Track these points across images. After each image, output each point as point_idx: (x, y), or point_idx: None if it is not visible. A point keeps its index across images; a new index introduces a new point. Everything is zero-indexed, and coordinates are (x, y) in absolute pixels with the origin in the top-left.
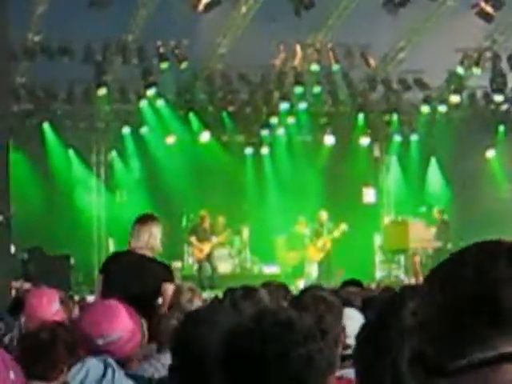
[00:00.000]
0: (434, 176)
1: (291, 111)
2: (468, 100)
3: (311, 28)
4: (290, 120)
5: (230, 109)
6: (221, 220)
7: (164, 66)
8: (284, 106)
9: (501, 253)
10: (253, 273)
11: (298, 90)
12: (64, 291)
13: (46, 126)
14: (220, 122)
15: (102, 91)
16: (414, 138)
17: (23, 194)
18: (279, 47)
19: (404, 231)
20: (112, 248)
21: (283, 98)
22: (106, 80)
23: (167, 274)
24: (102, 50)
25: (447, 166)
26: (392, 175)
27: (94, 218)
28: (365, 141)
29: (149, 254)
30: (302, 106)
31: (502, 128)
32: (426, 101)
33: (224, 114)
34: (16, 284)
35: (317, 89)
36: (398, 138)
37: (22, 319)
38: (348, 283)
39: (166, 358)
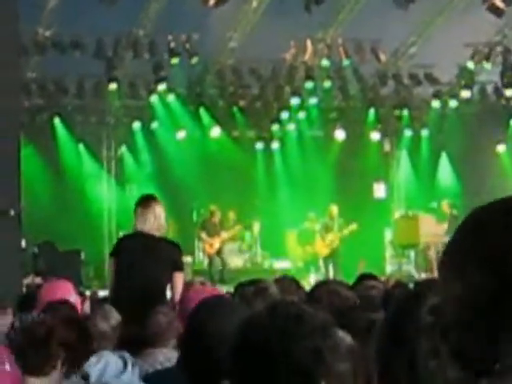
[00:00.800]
0: (445, 171)
1: (302, 106)
2: (479, 95)
3: (322, 23)
4: (301, 115)
5: (241, 103)
6: (231, 215)
7: (175, 60)
8: (295, 100)
9: None
10: (263, 268)
11: (309, 84)
12: (74, 286)
13: (56, 120)
14: (230, 116)
15: (113, 86)
16: (424, 132)
17: (34, 188)
18: (290, 42)
19: (414, 226)
20: None
21: (294, 92)
22: (117, 75)
23: (178, 251)
24: (112, 44)
25: (458, 160)
26: (402, 170)
27: (105, 212)
28: (375, 136)
29: (157, 234)
30: (313, 100)
31: None
32: (437, 96)
33: (235, 109)
34: (27, 280)
35: (327, 84)
36: (408, 133)
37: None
38: (364, 277)
39: (163, 353)
